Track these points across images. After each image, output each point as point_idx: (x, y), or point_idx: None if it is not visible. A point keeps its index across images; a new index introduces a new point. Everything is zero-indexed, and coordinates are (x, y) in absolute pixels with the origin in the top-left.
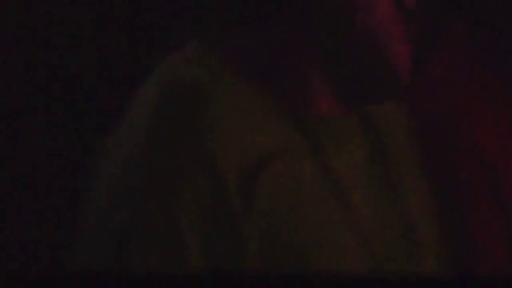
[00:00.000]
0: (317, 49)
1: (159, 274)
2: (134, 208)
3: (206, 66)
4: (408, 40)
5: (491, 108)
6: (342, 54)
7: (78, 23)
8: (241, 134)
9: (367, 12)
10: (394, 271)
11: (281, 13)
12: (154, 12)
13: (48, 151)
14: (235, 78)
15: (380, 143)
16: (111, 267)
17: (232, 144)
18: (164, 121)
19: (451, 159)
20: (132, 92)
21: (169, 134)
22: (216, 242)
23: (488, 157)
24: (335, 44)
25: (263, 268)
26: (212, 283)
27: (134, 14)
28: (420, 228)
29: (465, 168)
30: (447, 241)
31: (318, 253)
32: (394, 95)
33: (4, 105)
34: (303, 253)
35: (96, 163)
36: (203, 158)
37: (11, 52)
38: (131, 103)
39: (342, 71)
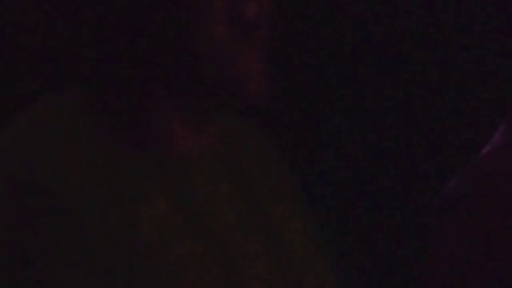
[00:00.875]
0: (163, 86)
1: None
2: None
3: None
4: (257, 56)
5: None
6: (187, 81)
7: None
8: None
9: (204, 34)
10: None
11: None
12: None
13: None
14: (88, 126)
15: (243, 174)
16: None
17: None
18: None
19: None
20: None
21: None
22: None
23: None
24: (177, 73)
25: None
26: None
27: None
28: (299, 264)
29: None
30: (329, 274)
31: None
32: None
33: None
34: None
35: None
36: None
37: None
38: None
39: (192, 99)
